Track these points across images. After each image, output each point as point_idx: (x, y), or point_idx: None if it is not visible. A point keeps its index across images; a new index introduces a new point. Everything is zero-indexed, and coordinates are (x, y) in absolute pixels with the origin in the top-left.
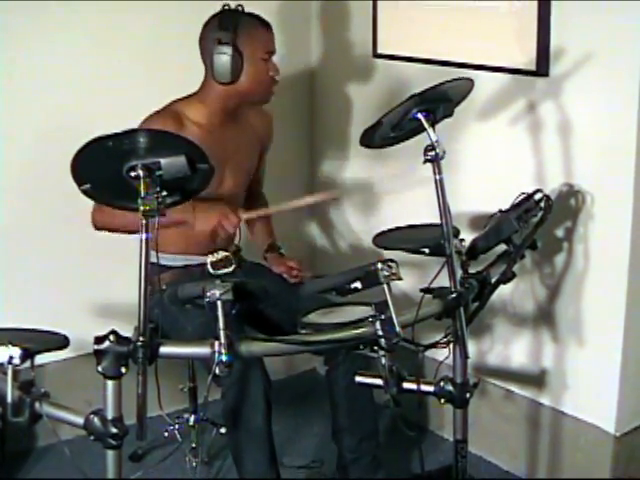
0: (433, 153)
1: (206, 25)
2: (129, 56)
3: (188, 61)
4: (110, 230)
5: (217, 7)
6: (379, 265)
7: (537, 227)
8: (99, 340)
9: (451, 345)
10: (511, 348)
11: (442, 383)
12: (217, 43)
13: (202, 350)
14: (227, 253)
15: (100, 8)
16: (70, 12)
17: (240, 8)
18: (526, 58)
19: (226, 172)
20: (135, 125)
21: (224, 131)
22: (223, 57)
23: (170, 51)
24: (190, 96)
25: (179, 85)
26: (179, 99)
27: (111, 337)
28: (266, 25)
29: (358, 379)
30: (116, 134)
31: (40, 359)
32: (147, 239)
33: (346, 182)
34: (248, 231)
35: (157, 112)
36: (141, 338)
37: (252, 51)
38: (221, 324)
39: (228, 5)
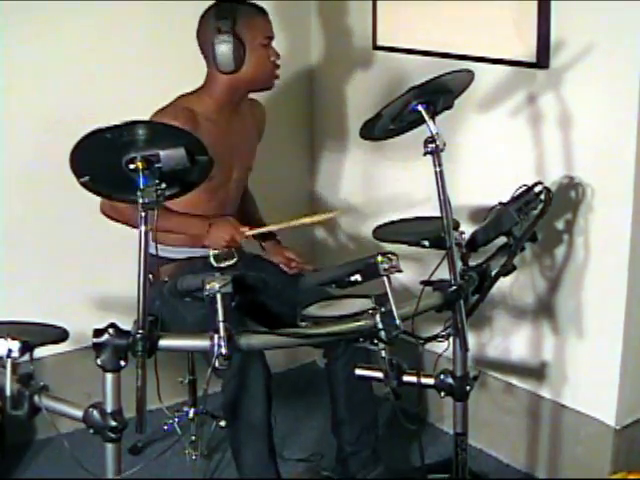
0: (433, 145)
1: (203, 17)
2: (129, 50)
3: (189, 54)
4: (117, 221)
5: None
6: (379, 258)
7: (537, 219)
8: (98, 333)
9: (451, 338)
10: (511, 341)
11: (442, 376)
12: (217, 32)
13: (202, 343)
14: None
15: (101, 2)
16: (70, 6)
17: None
18: (526, 50)
19: (234, 164)
20: (138, 115)
21: (231, 123)
22: (224, 46)
23: (171, 44)
24: (197, 90)
25: (180, 78)
26: (186, 94)
27: (110, 330)
28: (263, 11)
29: (358, 372)
30: (115, 126)
31: (39, 352)
32: (146, 231)
33: (345, 174)
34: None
35: (166, 108)
36: (140, 331)
37: (252, 38)
38: (220, 317)
39: None
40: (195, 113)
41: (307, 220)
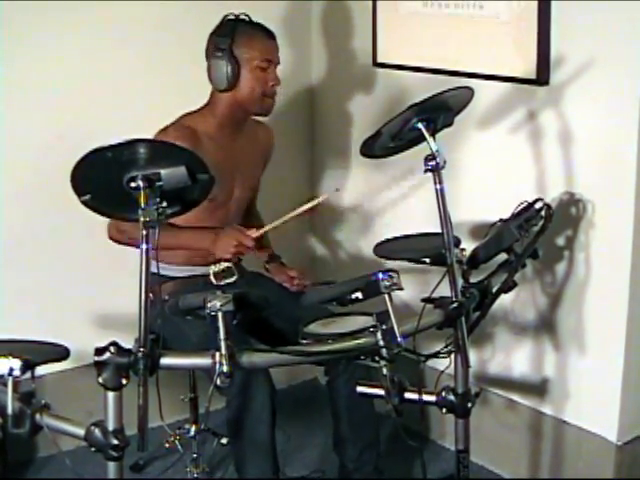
0: (433, 162)
1: (210, 35)
2: (131, 66)
3: (192, 71)
4: (126, 244)
5: (221, 14)
6: (380, 275)
7: (538, 236)
8: (100, 351)
9: (452, 355)
10: (512, 357)
11: (444, 393)
12: (214, 49)
13: (203, 361)
14: (229, 263)
15: (102, 17)
16: (72, 21)
17: (245, 17)
18: (526, 66)
19: (235, 183)
20: (138, 134)
21: (233, 142)
22: (219, 63)
23: (173, 61)
24: (200, 109)
25: (182, 95)
26: (189, 112)
27: (112, 348)
28: (267, 33)
29: (359, 389)
30: (116, 145)
31: (40, 370)
32: (147, 250)
33: (346, 192)
34: None
35: (169, 127)
36: (142, 349)
37: (249, 58)
38: (222, 335)
39: (232, 14)
40: (198, 132)
41: (302, 209)
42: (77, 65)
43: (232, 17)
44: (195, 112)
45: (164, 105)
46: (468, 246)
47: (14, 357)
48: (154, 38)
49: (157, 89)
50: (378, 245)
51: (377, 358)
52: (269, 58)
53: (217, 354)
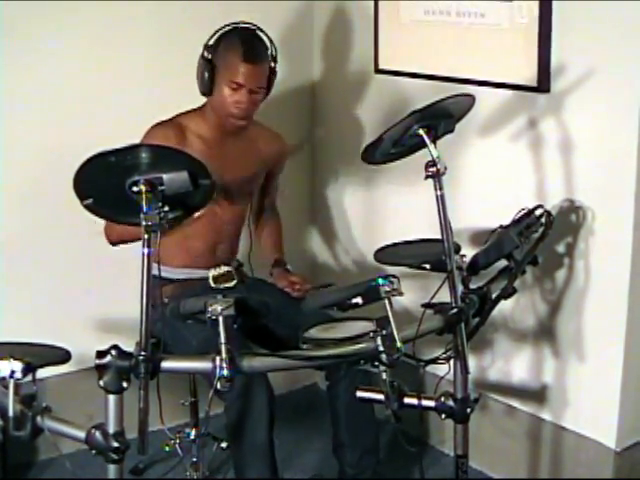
0: (434, 169)
1: None
2: (131, 70)
3: (193, 75)
4: (126, 242)
5: (222, 18)
6: (380, 280)
7: (538, 243)
8: (101, 355)
9: (452, 360)
10: (512, 363)
11: (443, 398)
12: (202, 52)
13: (204, 365)
14: (229, 268)
15: (102, 22)
16: (71, 26)
17: (248, 27)
18: (527, 74)
19: (223, 184)
20: (139, 138)
21: (223, 145)
22: (200, 64)
23: (175, 65)
24: (196, 109)
25: (184, 99)
26: (185, 111)
27: (113, 352)
28: (246, 57)
29: (359, 394)
30: (118, 149)
31: (42, 373)
32: (149, 254)
33: (347, 197)
34: (257, 240)
35: (161, 123)
36: (142, 353)
37: (222, 72)
38: (222, 339)
39: (233, 23)
40: (185, 129)
41: None
42: (79, 68)
43: (232, 25)
44: (190, 111)
45: (166, 109)
46: (468, 252)
47: (15, 360)
48: (156, 42)
49: (159, 93)
50: (379, 251)
51: (377, 363)
52: (238, 82)
53: (217, 358)
